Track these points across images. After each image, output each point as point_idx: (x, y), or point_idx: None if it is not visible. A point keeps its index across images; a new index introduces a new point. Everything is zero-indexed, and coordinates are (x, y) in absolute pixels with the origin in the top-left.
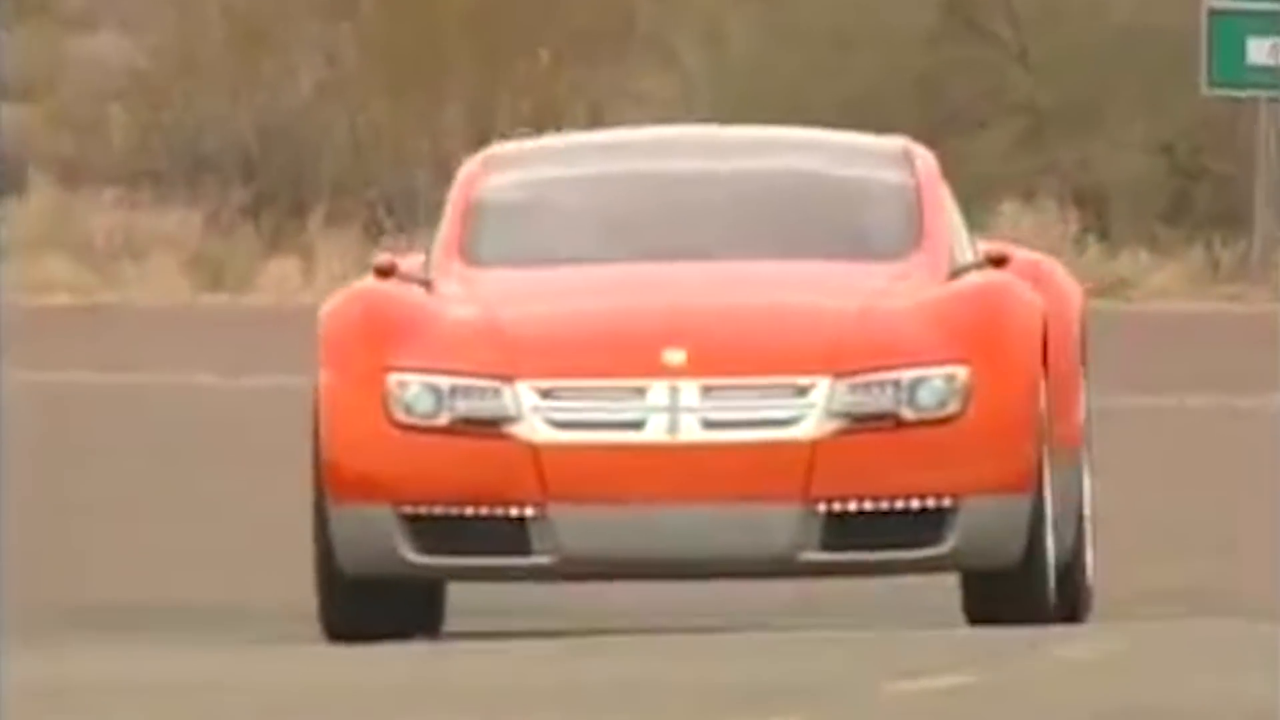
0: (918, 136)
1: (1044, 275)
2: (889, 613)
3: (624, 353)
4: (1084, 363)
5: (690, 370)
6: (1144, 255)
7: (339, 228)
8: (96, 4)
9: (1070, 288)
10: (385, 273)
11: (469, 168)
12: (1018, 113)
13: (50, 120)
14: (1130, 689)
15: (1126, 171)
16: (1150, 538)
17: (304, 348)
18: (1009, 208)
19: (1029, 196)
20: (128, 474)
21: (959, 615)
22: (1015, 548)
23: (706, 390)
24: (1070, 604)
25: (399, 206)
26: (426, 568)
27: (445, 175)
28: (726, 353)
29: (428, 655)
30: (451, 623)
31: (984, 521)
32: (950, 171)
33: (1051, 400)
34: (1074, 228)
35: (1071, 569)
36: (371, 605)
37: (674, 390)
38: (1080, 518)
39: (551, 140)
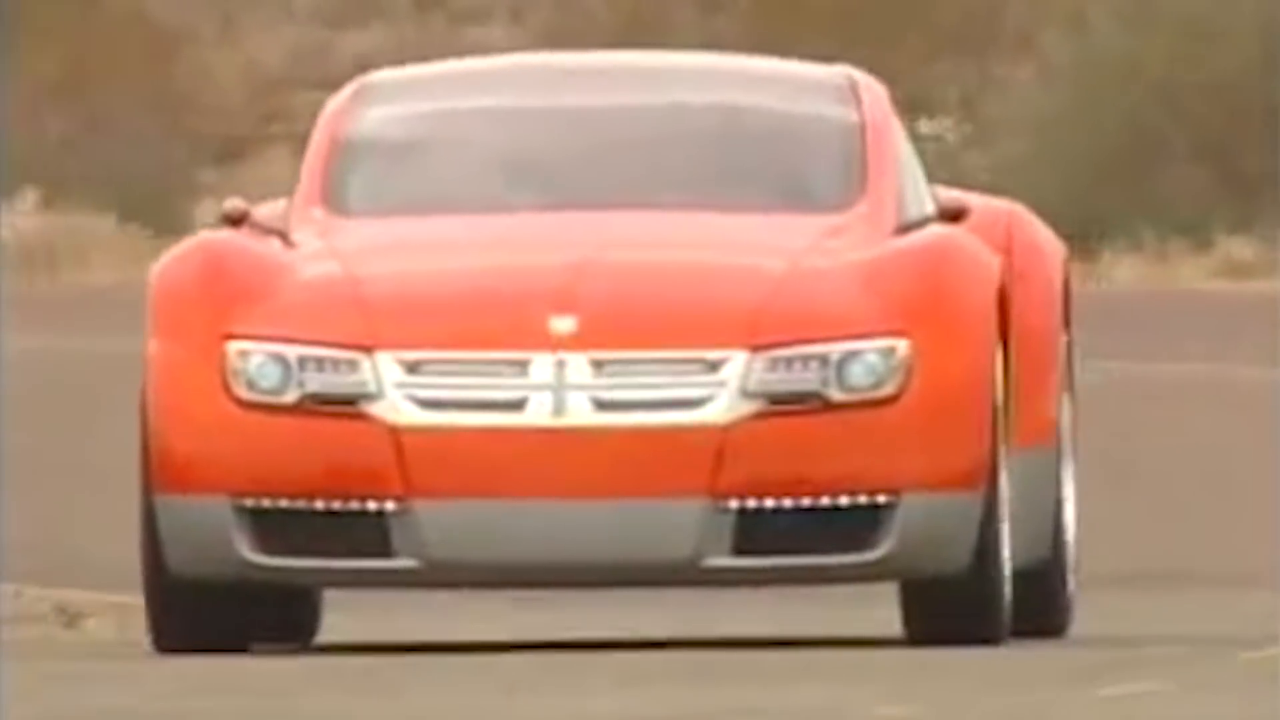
0: None
1: (1016, 229)
2: None
3: (503, 320)
4: (1067, 333)
5: (580, 341)
6: None
7: None
8: None
9: (1048, 244)
10: (235, 221)
11: (338, 99)
12: None
13: None
14: None
15: None
16: None
17: None
18: None
19: None
20: None
21: None
22: (962, 553)
23: (599, 365)
24: (1041, 618)
25: None
26: (269, 570)
27: None
28: (623, 321)
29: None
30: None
31: (925, 522)
32: None
33: (1018, 377)
34: None
35: (1044, 578)
36: (210, 612)
37: (560, 365)
38: (1058, 518)
39: (438, 67)
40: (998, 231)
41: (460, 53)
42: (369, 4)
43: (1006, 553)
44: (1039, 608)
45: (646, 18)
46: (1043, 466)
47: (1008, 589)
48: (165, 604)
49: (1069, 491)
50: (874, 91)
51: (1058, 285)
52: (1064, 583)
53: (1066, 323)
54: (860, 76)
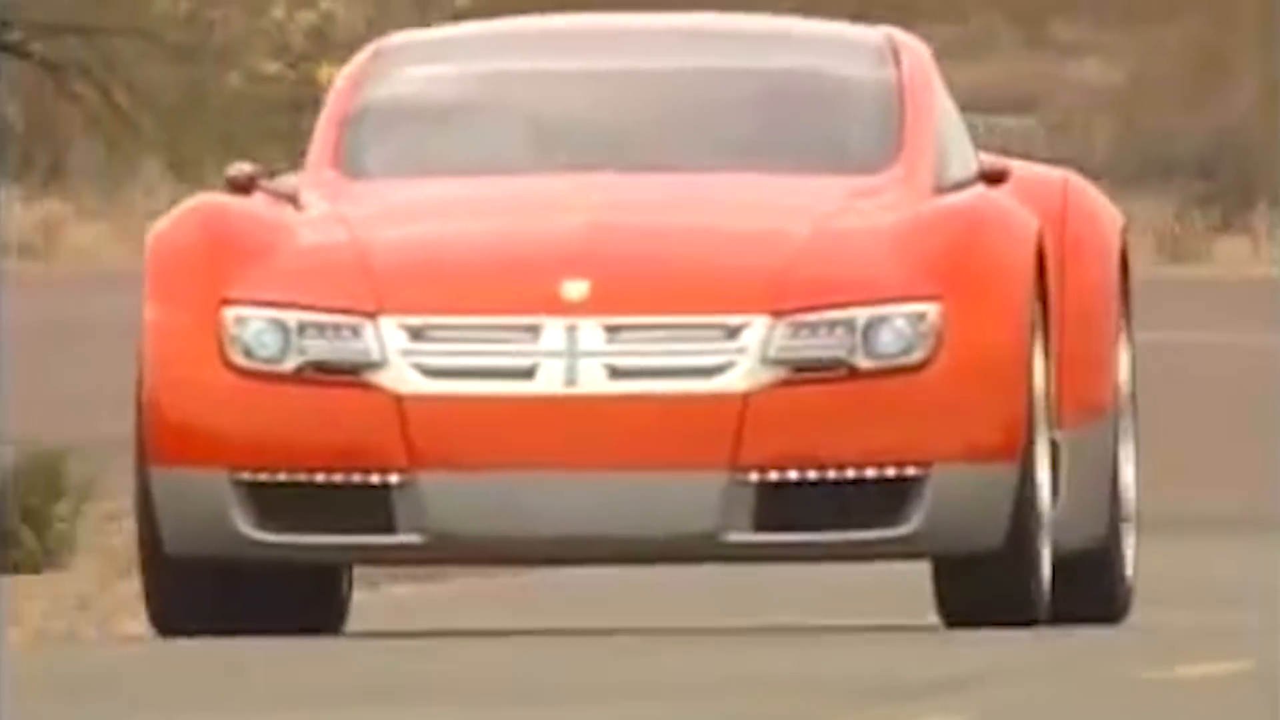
0: None
1: (1071, 197)
2: None
3: (513, 284)
4: (1126, 305)
5: (593, 306)
6: None
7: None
8: (1085, 36)
9: (1105, 213)
10: (242, 187)
11: (356, 60)
12: None
13: (1048, 129)
14: None
15: None
16: None
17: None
18: None
19: None
20: None
21: None
22: (996, 528)
23: (613, 331)
24: (1096, 603)
25: None
26: (268, 546)
27: None
28: (639, 285)
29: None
30: None
31: (957, 495)
32: None
33: (1071, 348)
34: None
35: (1099, 561)
36: (211, 591)
37: (572, 330)
38: (1114, 497)
39: (461, 28)
40: (1052, 199)
41: (1062, 87)
42: (984, 43)
43: (1045, 529)
44: (1094, 591)
45: (1219, 57)
46: (1097, 442)
47: (1046, 567)
48: (162, 582)
49: (1129, 469)
50: (915, 52)
51: (1114, 255)
52: (1121, 565)
53: (1125, 293)
54: (903, 37)
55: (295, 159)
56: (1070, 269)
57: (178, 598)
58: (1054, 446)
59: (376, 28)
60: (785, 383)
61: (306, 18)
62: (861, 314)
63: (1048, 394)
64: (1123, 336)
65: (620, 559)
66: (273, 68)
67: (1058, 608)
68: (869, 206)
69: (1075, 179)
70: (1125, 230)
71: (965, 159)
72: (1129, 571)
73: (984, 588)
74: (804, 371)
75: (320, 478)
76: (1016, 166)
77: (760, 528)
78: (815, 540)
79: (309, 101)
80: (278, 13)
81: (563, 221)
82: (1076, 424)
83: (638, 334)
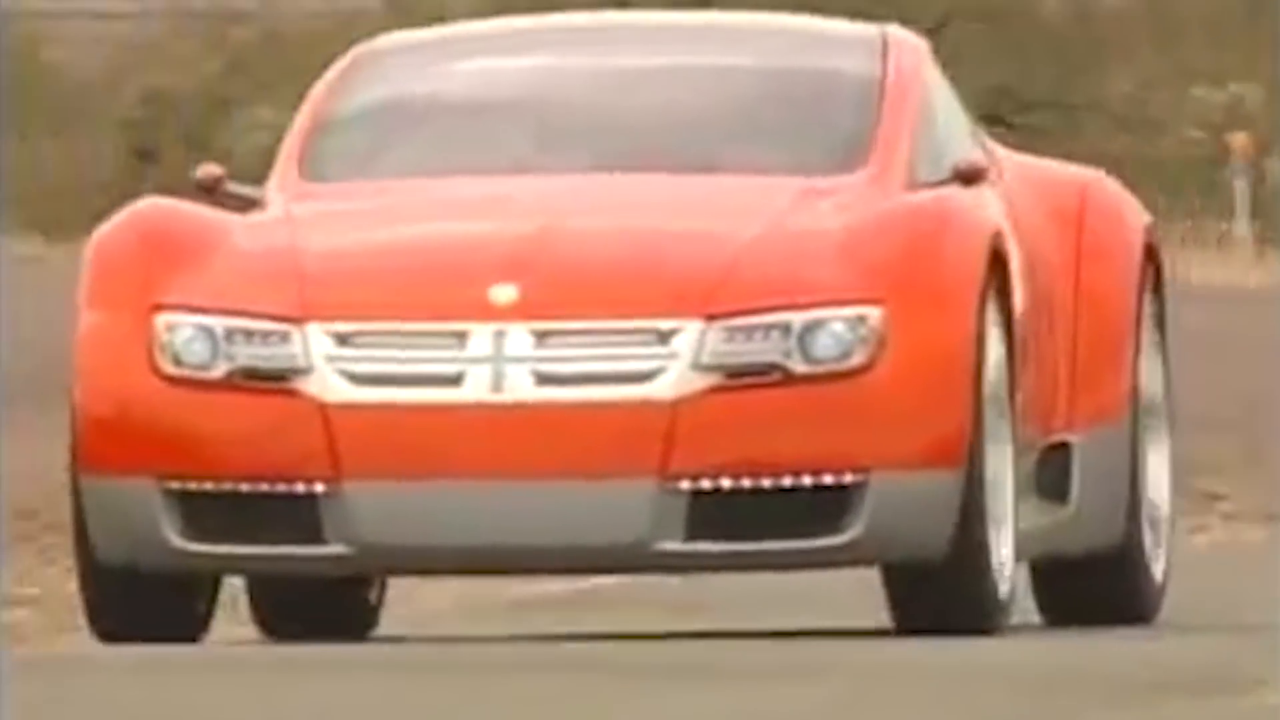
0: None
1: (1091, 197)
2: None
3: (440, 289)
4: (1158, 303)
5: (521, 311)
6: None
7: None
8: None
9: (1129, 212)
10: (208, 189)
11: (336, 66)
12: None
13: None
14: None
15: None
16: None
17: None
18: None
19: None
20: None
21: None
22: (939, 536)
23: (541, 336)
24: (1115, 608)
25: None
26: (196, 557)
27: None
28: (568, 289)
29: None
30: None
31: (898, 502)
32: None
33: (1084, 350)
34: None
35: (1114, 566)
36: (148, 599)
37: (499, 336)
38: (1133, 501)
39: (440, 31)
40: (1070, 199)
41: None
42: None
43: (1001, 535)
44: (1111, 597)
45: None
46: (1112, 446)
47: (1003, 575)
48: (97, 591)
49: (1159, 472)
50: (906, 48)
51: (1137, 255)
52: (1142, 570)
53: (1157, 293)
54: (898, 33)
55: None
56: (1085, 268)
57: (113, 606)
58: (1058, 449)
59: (1272, 108)
60: (718, 388)
61: (1219, 96)
62: (797, 318)
63: (1013, 398)
64: (1151, 339)
65: (550, 568)
66: (1196, 134)
67: (1078, 607)
68: (826, 207)
69: (1099, 178)
70: (1153, 229)
71: (954, 155)
72: (1158, 572)
73: (932, 596)
74: (738, 376)
75: (246, 487)
76: (1035, 164)
77: (692, 537)
78: (749, 550)
79: (1223, 160)
80: (1199, 91)
81: (501, 226)
82: (1088, 427)
83: (567, 339)
